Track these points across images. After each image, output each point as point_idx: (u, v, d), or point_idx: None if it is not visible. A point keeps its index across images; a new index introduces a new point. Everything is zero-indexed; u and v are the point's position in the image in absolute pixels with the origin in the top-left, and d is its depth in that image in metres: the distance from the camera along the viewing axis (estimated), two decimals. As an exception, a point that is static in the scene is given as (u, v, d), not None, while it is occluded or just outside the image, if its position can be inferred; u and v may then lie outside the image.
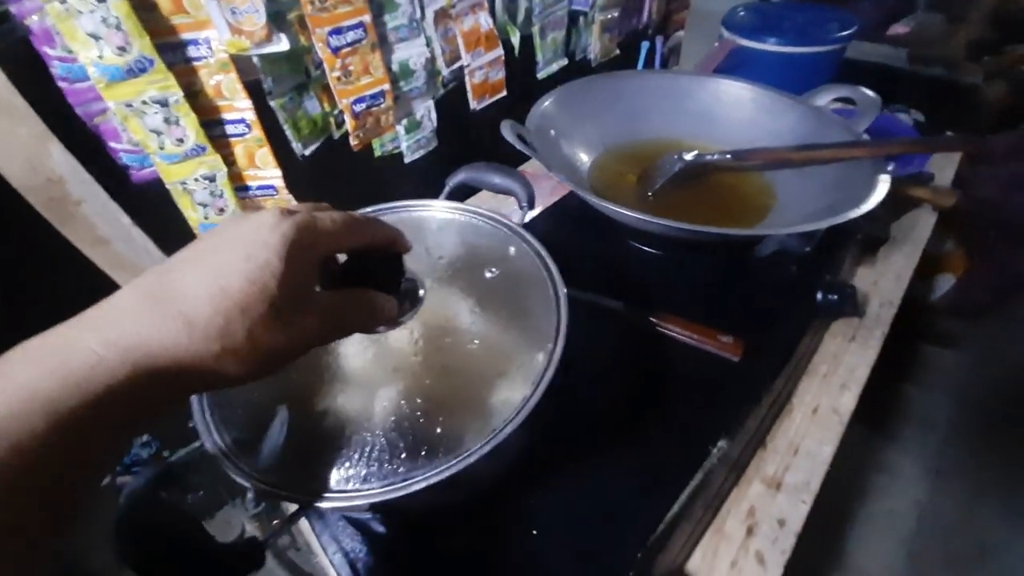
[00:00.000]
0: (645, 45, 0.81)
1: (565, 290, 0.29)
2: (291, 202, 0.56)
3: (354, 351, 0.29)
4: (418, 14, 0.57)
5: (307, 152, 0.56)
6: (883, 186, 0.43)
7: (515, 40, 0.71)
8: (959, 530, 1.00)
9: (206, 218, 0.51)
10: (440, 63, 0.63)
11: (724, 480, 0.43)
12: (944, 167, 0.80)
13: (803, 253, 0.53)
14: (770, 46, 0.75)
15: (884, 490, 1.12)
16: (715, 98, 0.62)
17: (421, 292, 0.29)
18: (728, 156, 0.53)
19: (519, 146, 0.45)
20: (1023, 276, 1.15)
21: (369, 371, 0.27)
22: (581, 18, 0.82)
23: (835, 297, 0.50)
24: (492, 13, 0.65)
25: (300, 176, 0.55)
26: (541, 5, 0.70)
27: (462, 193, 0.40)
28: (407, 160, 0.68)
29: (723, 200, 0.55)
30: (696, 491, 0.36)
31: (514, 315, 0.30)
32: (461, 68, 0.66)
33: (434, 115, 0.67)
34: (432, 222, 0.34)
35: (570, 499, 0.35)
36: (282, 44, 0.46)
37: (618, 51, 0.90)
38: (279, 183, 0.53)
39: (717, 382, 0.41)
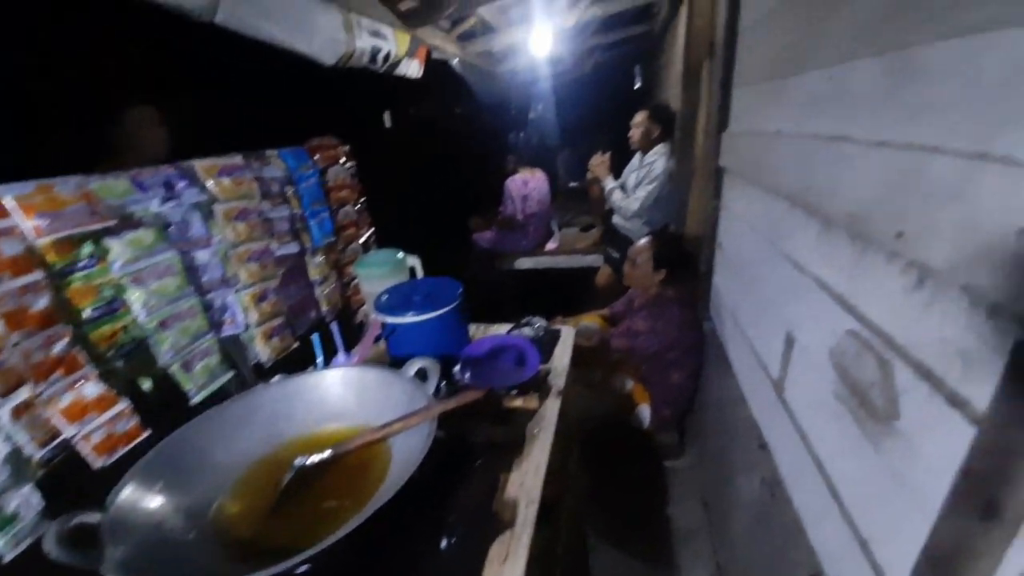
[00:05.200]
0: (315, 337, 0.96)
1: None
2: None
3: None
4: (-20, 421, 0.55)
5: None
6: (428, 441, 0.56)
7: (147, 385, 0.74)
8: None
9: None
10: (30, 449, 0.60)
11: None
12: (563, 355, 1.09)
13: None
14: (407, 318, 0.98)
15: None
16: (342, 385, 0.74)
17: None
18: (329, 453, 0.61)
19: (58, 558, 0.41)
20: (680, 389, 1.57)
21: None
22: (241, 334, 0.93)
23: (455, 538, 0.57)
24: (105, 375, 0.68)
25: None
26: (173, 352, 0.77)
27: None
28: (8, 559, 0.56)
29: (347, 483, 0.60)
30: None
31: None
32: (66, 440, 0.63)
33: (35, 498, 0.60)
34: None
35: None
36: None
37: (297, 343, 1.03)
38: None
39: None
